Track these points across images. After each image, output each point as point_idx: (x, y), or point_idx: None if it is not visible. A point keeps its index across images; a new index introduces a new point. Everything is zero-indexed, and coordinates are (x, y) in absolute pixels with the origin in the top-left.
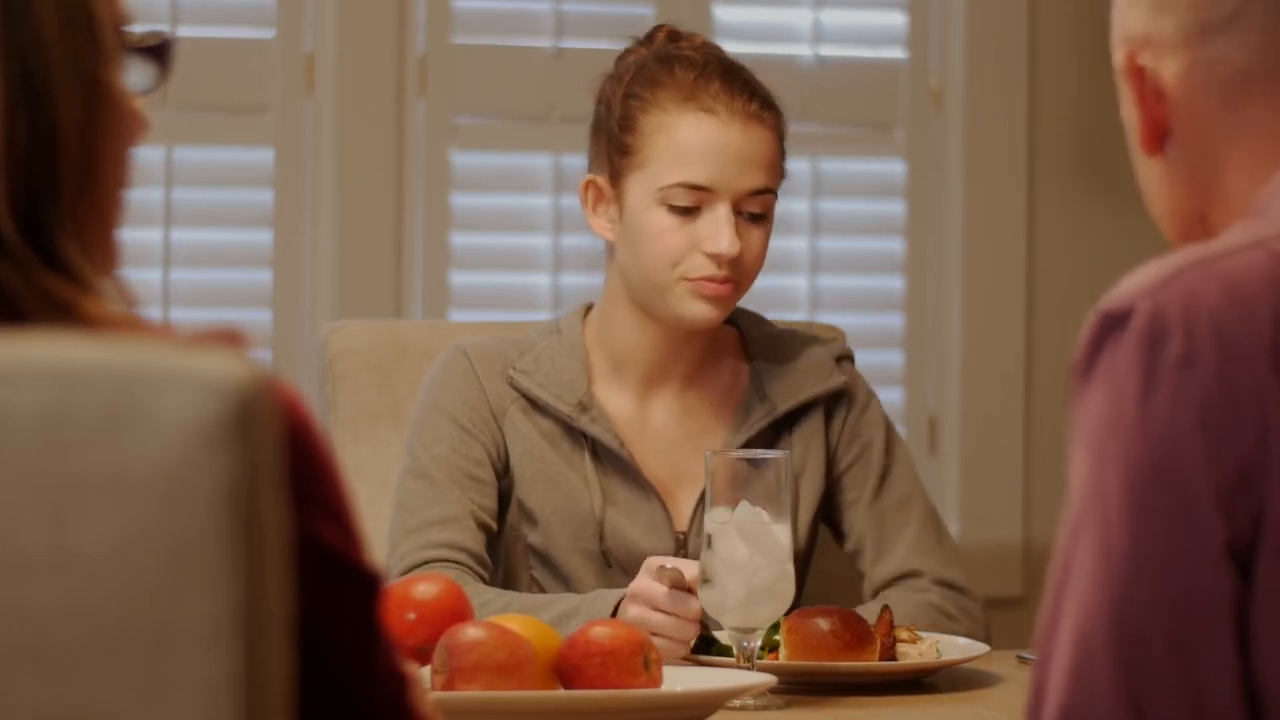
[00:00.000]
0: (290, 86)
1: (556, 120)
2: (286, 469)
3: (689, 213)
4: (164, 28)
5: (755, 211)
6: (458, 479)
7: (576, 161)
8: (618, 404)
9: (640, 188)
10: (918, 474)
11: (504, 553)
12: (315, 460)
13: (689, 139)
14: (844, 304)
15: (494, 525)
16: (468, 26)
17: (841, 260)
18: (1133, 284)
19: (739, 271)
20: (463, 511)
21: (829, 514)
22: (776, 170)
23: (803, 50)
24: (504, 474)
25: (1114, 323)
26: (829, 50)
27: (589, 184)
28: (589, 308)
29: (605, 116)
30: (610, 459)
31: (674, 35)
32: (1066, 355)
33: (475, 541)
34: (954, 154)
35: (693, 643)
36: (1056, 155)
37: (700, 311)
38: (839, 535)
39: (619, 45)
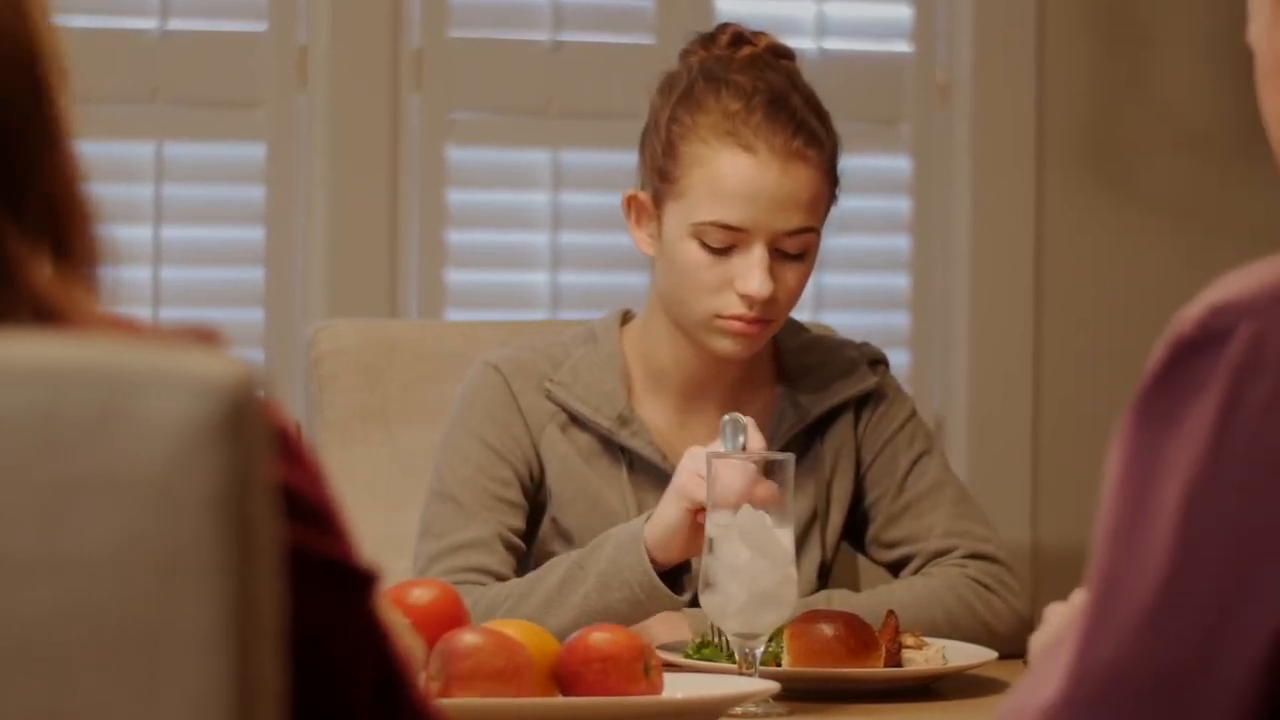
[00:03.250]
0: (283, 81)
1: (555, 115)
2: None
3: (723, 251)
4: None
5: (792, 251)
6: (485, 501)
7: (575, 157)
8: (657, 417)
9: (676, 218)
10: (949, 466)
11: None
12: (301, 470)
13: (725, 177)
14: (848, 303)
15: (522, 546)
16: (464, 19)
17: (846, 258)
18: (1240, 291)
19: (772, 310)
20: (490, 534)
21: (858, 513)
22: (818, 208)
23: (806, 44)
24: (535, 493)
25: (1208, 340)
26: (833, 44)
27: (632, 199)
28: (625, 314)
29: (651, 134)
30: (649, 473)
31: (738, 39)
32: (1075, 354)
33: (503, 564)
34: (961, 149)
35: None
36: (1065, 150)
37: (728, 348)
38: (864, 532)
39: (618, 39)
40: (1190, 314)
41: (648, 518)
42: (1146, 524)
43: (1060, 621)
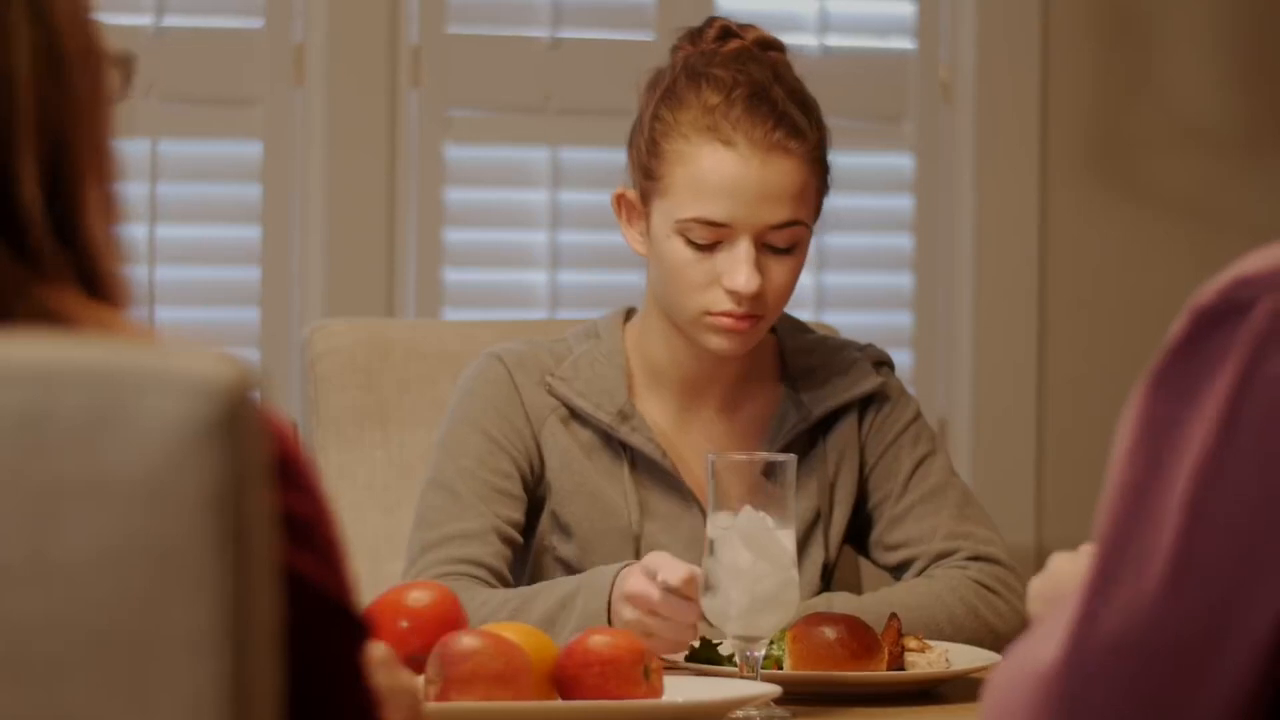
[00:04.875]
0: (279, 78)
1: (554, 112)
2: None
3: (709, 247)
4: (144, 26)
5: (780, 245)
6: (482, 493)
7: (574, 155)
8: (658, 414)
9: (661, 215)
10: (953, 468)
11: (531, 565)
12: (310, 501)
13: (707, 173)
14: (851, 302)
15: (519, 539)
16: (462, 16)
17: (848, 257)
18: (1265, 266)
19: (761, 306)
20: (484, 527)
21: (861, 515)
22: (805, 200)
23: (808, 40)
24: (536, 486)
25: (1230, 310)
26: (835, 40)
27: (620, 197)
28: (629, 312)
29: (636, 132)
30: (650, 470)
31: (725, 33)
32: (1080, 354)
33: (496, 557)
34: (964, 147)
35: (694, 644)
36: (1070, 148)
37: (720, 344)
38: (867, 535)
39: (617, 36)
40: (1214, 285)
41: (617, 572)
42: (1158, 493)
43: (1063, 571)
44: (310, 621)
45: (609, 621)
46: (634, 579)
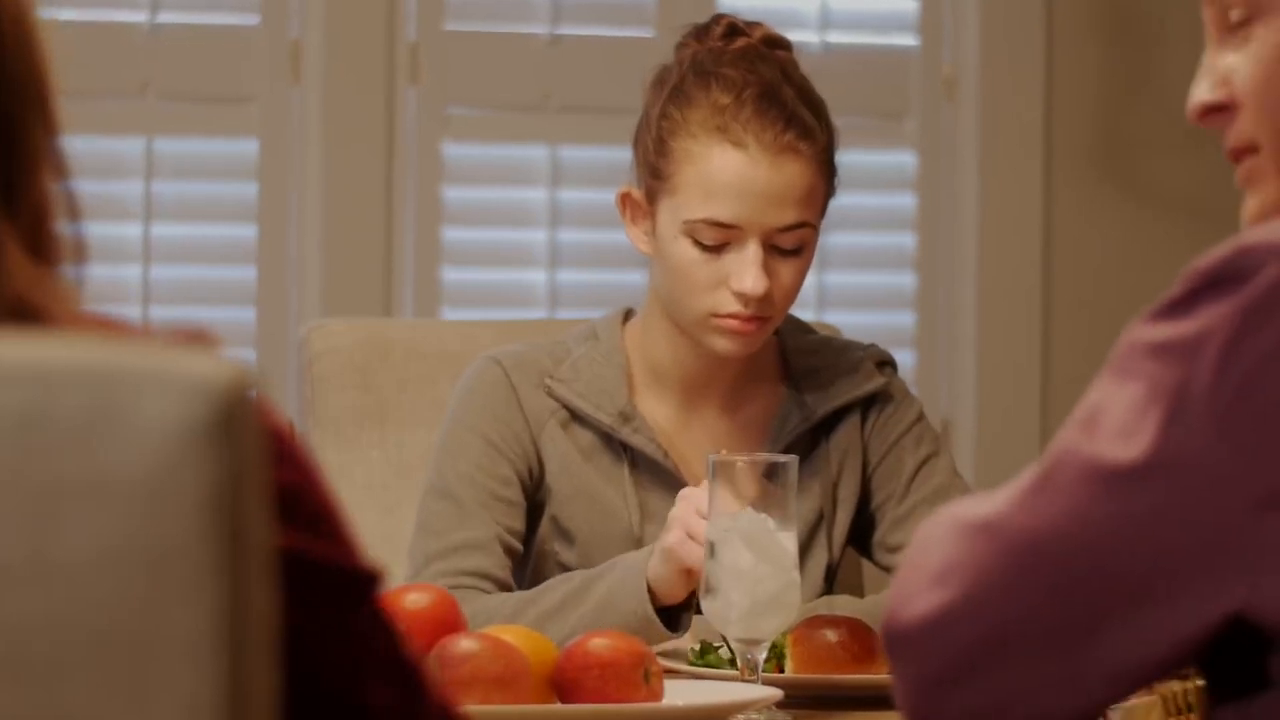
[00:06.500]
0: (275, 75)
1: (553, 110)
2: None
3: (716, 248)
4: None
5: (787, 247)
6: (484, 500)
7: (574, 153)
8: (659, 414)
9: (669, 215)
10: (957, 469)
11: (533, 570)
12: (296, 471)
13: (716, 174)
14: (852, 302)
15: (520, 548)
16: (461, 12)
17: (850, 256)
18: (1272, 237)
19: (768, 307)
20: (488, 536)
21: (863, 516)
22: (813, 202)
23: (810, 37)
24: (535, 491)
25: (1231, 275)
26: (837, 37)
27: (625, 196)
28: (628, 312)
29: (643, 130)
30: (651, 471)
31: (732, 30)
32: (1085, 354)
33: (500, 567)
34: (968, 144)
35: (694, 648)
36: (1074, 145)
37: (726, 346)
38: (870, 536)
39: (617, 33)
40: (1218, 250)
41: (652, 551)
42: (1123, 427)
43: None
44: (320, 596)
45: (647, 576)
46: (677, 505)
